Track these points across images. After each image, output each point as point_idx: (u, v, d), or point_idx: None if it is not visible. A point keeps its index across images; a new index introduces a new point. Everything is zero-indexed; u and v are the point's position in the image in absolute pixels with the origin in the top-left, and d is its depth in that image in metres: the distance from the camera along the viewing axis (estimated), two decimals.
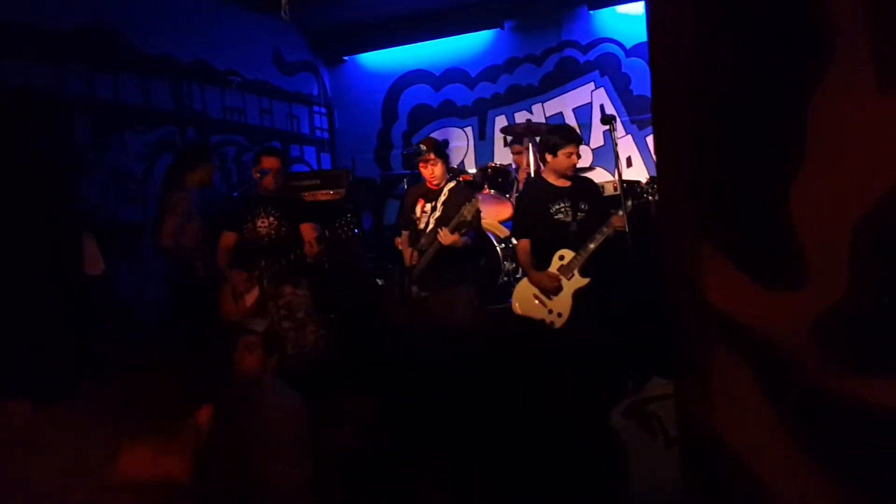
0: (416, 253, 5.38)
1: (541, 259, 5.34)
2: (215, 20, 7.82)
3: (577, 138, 5.40)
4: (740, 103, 1.43)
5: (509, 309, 5.54)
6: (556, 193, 5.35)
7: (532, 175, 6.89)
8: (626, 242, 5.07)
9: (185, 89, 7.45)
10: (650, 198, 5.47)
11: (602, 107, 8.46)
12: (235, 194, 5.91)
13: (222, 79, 7.91)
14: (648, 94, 6.93)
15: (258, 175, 5.37)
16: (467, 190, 5.93)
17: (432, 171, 5.47)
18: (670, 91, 1.62)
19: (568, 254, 5.22)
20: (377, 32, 9.26)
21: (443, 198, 5.49)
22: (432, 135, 8.89)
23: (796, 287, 1.34)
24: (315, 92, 9.49)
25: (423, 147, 5.50)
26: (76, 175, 5.96)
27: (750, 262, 1.41)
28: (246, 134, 8.16)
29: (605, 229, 5.14)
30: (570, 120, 8.74)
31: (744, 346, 1.40)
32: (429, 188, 5.57)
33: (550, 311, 5.25)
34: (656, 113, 1.72)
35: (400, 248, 5.62)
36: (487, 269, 6.59)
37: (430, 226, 5.44)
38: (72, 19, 6.30)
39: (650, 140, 8.28)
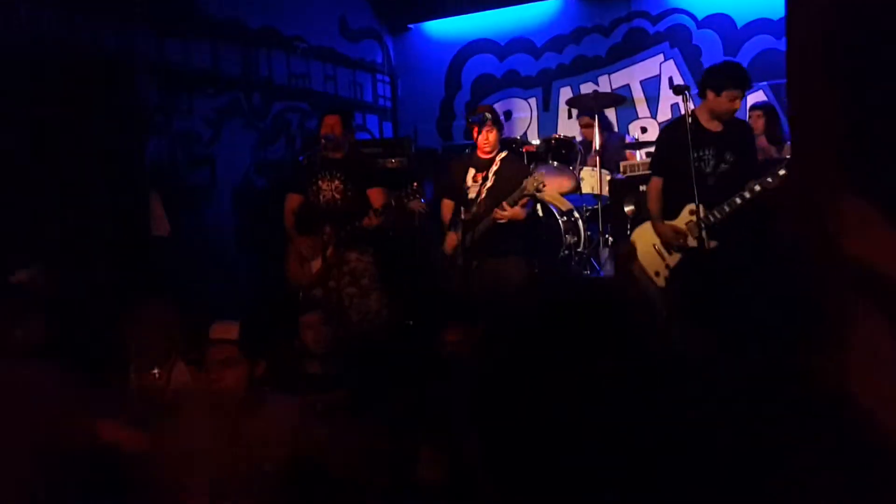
0: (461, 227, 5.26)
1: (670, 207, 4.88)
2: None
3: (747, 84, 4.81)
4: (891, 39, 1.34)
5: (570, 279, 5.38)
6: (704, 138, 4.77)
7: (598, 149, 6.78)
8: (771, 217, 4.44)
9: (252, 55, 7.47)
10: None
11: (671, 79, 8.25)
12: (301, 158, 5.93)
13: (288, 45, 7.91)
14: None
15: (322, 139, 5.36)
16: (519, 160, 5.86)
17: (487, 138, 5.36)
18: (809, 28, 1.53)
19: (701, 210, 4.68)
20: (442, 0, 9.17)
21: (495, 167, 5.38)
22: (495, 105, 8.81)
23: None
24: (379, 59, 9.45)
25: (487, 114, 5.38)
26: (145, 137, 6.03)
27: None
28: (310, 100, 8.17)
29: (746, 194, 4.57)
30: (637, 93, 8.57)
31: (885, 298, 1.32)
32: (480, 157, 5.46)
33: (667, 267, 4.82)
34: (792, 49, 1.61)
35: (444, 219, 5.60)
36: (547, 242, 6.53)
37: (482, 196, 5.34)
38: None
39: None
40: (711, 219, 4.68)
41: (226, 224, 6.91)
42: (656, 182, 5.00)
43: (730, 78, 4.75)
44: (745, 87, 4.79)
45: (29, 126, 4.98)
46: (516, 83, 9.08)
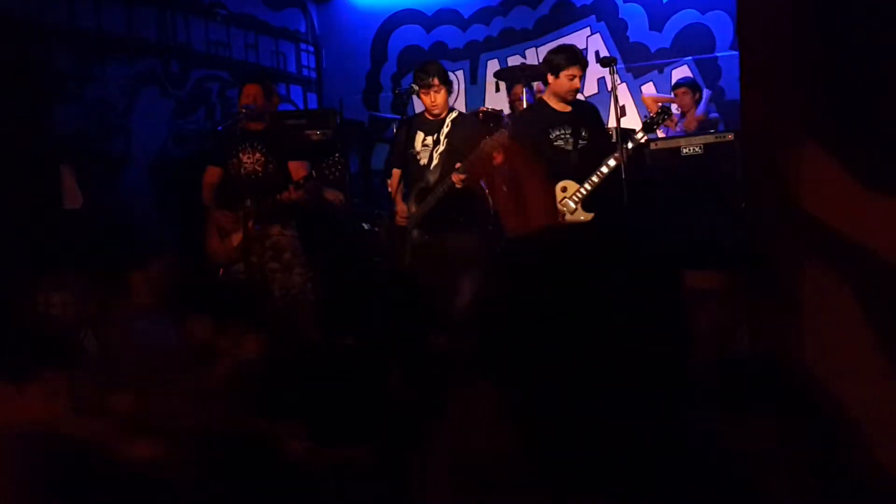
0: (413, 196, 5.10)
1: None
2: None
3: (581, 60, 5.07)
4: None
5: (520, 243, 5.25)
6: (557, 118, 5.03)
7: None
8: (622, 183, 4.83)
9: (168, 20, 7.20)
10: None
11: (597, 52, 8.25)
12: (220, 129, 5.74)
13: (207, 11, 7.66)
14: (645, 42, 6.84)
15: (243, 109, 5.19)
16: (473, 119, 5.61)
17: (434, 100, 5.08)
18: None
19: (571, 185, 4.94)
20: None
21: (446, 129, 5.11)
22: None
23: None
24: (303, 29, 9.22)
25: (428, 69, 5.08)
26: (55, 105, 5.78)
27: (861, 159, 1.27)
28: (230, 69, 7.92)
29: (610, 163, 4.85)
30: None
31: (844, 259, 1.28)
32: (427, 119, 5.21)
33: None
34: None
35: (391, 189, 5.32)
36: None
37: (435, 161, 5.08)
38: None
39: (645, 89, 8.14)
40: (583, 192, 4.91)
41: (142, 197, 6.68)
42: None
43: (565, 59, 5.00)
44: (580, 63, 5.04)
45: None
46: (444, 55, 8.94)
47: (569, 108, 5.08)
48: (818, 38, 1.34)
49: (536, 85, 6.97)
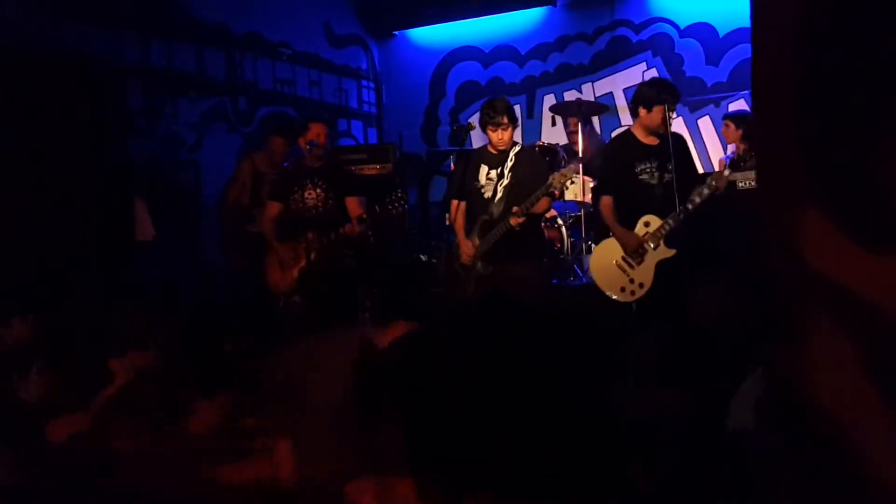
0: (477, 229, 5.15)
1: (623, 222, 4.98)
2: None
3: (676, 98, 5.02)
4: (850, 60, 1.39)
5: (585, 287, 5.28)
6: (643, 151, 4.97)
7: (581, 156, 6.83)
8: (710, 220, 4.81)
9: (237, 60, 7.51)
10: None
11: None
12: (286, 164, 5.98)
13: (274, 50, 7.95)
14: (701, 76, 6.86)
15: (307, 146, 5.38)
16: (537, 154, 5.61)
17: (501, 136, 5.10)
18: (774, 47, 1.58)
19: (654, 220, 4.85)
20: (427, 7, 9.22)
21: (510, 163, 5.14)
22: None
23: None
24: (364, 66, 9.50)
25: (497, 107, 5.11)
26: (129, 140, 6.06)
27: (854, 223, 1.38)
28: (295, 106, 8.20)
29: (696, 199, 4.72)
30: (620, 100, 8.65)
31: (848, 313, 1.38)
32: (491, 153, 5.23)
33: (632, 281, 4.90)
34: (758, 68, 1.67)
35: (449, 222, 5.39)
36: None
37: (500, 194, 5.11)
38: None
39: (701, 123, 8.18)
40: (667, 227, 4.82)
41: (210, 229, 6.93)
42: (607, 200, 5.08)
43: (660, 94, 4.92)
44: (675, 100, 4.98)
45: (13, 130, 4.99)
46: (501, 90, 9.13)
47: (656, 141, 5.02)
48: (821, 113, 1.44)
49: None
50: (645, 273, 4.88)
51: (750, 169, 4.91)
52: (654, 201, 4.89)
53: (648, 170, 4.95)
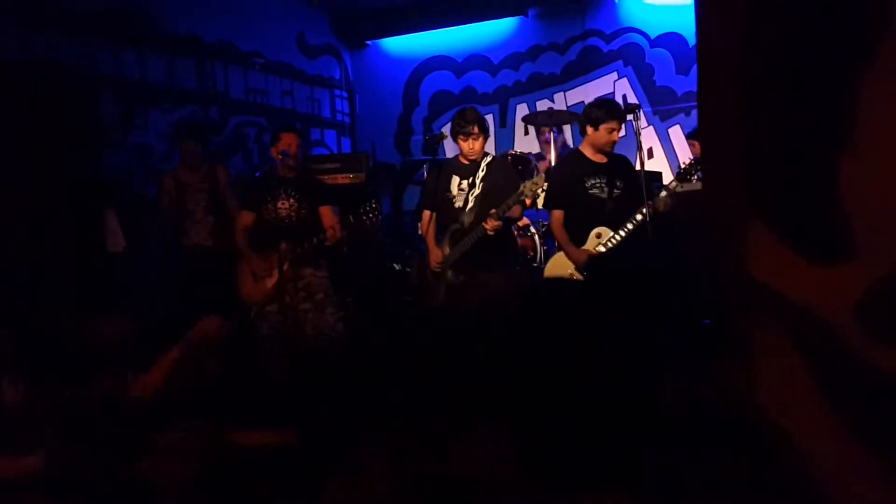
0: (447, 238, 5.20)
1: (575, 235, 5.15)
2: (240, 2, 7.86)
3: (621, 115, 5.20)
4: (790, 74, 1.43)
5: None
6: (593, 168, 5.16)
7: (553, 162, 6.88)
8: (649, 229, 4.89)
9: (208, 69, 7.49)
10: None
11: (625, 97, 8.43)
12: (257, 174, 5.98)
13: (246, 60, 7.95)
14: (672, 86, 6.96)
15: (279, 156, 5.38)
16: (507, 164, 5.66)
17: (472, 146, 5.17)
18: (717, 65, 1.63)
19: (605, 232, 5.03)
20: (400, 17, 9.25)
21: (481, 174, 5.21)
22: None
23: (843, 261, 1.35)
24: (337, 75, 9.51)
25: (468, 117, 5.17)
26: (101, 151, 6.02)
27: (796, 235, 1.42)
28: (267, 115, 8.20)
29: (644, 210, 4.88)
30: None
31: (789, 322, 1.42)
32: (463, 163, 5.30)
33: None
34: (703, 86, 1.72)
35: (422, 231, 5.43)
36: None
37: (470, 204, 5.18)
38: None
39: (672, 132, 8.27)
40: (617, 238, 4.97)
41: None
42: (558, 214, 5.24)
43: (605, 113, 5.13)
44: (620, 117, 5.17)
45: None
46: (474, 100, 9.18)
47: (605, 160, 5.21)
48: (764, 125, 1.48)
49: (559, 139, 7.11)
50: None
51: (691, 180, 5.14)
52: (605, 214, 5.08)
53: (598, 185, 5.13)
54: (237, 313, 5.34)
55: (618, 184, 5.15)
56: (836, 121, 1.35)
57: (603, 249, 5.01)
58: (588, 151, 5.24)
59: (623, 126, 5.28)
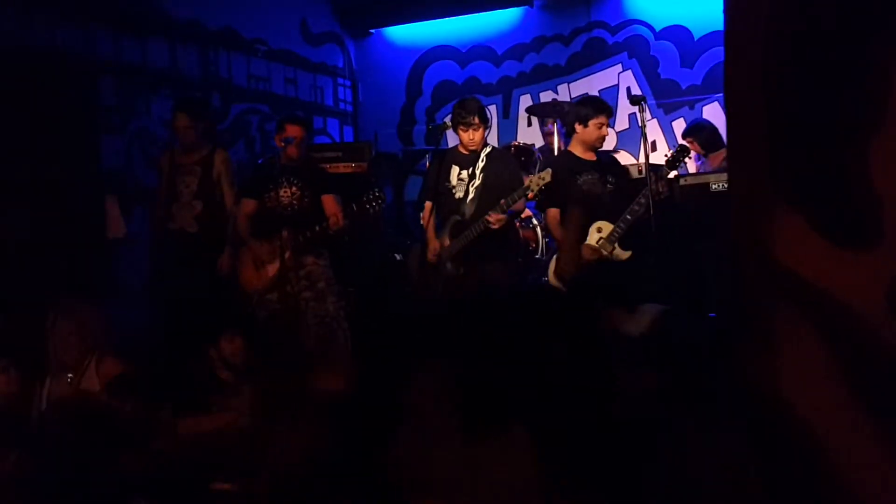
0: (447, 230, 5.16)
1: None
2: None
3: (607, 109, 5.24)
4: (819, 55, 1.40)
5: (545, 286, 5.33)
6: (583, 165, 5.16)
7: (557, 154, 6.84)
8: (651, 221, 4.87)
9: (211, 56, 7.45)
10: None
11: (629, 89, 8.37)
12: (260, 161, 5.93)
13: (249, 47, 7.90)
14: (676, 79, 6.96)
15: (282, 143, 5.34)
16: (508, 154, 5.63)
17: (472, 137, 5.10)
18: (744, 51, 1.59)
19: (606, 226, 5.00)
20: (404, 6, 9.20)
21: (481, 164, 5.16)
22: None
23: (871, 245, 1.32)
24: (340, 64, 9.46)
25: (468, 107, 5.11)
26: (101, 137, 5.98)
27: (823, 218, 1.38)
28: (270, 103, 8.16)
29: (642, 200, 4.85)
30: None
31: (813, 307, 1.38)
32: (462, 153, 5.25)
33: None
34: (729, 71, 1.68)
35: (423, 222, 5.39)
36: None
37: (471, 195, 5.14)
38: None
39: (676, 125, 8.22)
40: (618, 232, 4.95)
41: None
42: (554, 212, 5.22)
43: (592, 109, 5.18)
44: (607, 112, 5.21)
45: None
46: (477, 90, 9.11)
47: (594, 157, 5.25)
48: (791, 110, 1.45)
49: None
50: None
51: (676, 166, 5.22)
52: (602, 208, 5.06)
53: (591, 181, 5.12)
54: (225, 302, 5.29)
55: (610, 179, 5.19)
56: (866, 104, 1.32)
57: (609, 245, 4.97)
58: (578, 150, 5.26)
59: (609, 121, 5.30)
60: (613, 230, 4.97)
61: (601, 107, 5.20)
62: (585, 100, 5.61)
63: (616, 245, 4.96)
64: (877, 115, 1.29)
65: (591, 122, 5.12)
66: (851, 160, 1.32)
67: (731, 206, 1.59)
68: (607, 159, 5.40)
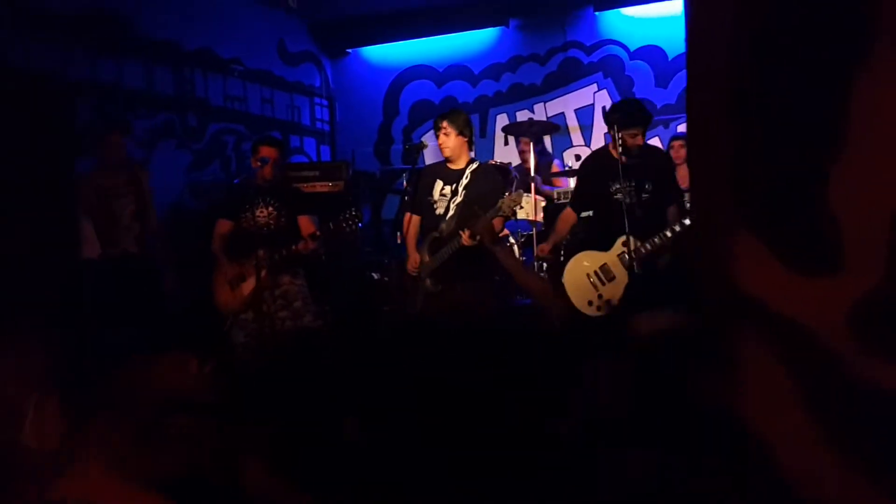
0: (426, 246, 5.11)
1: (602, 238, 4.93)
2: (220, 9, 7.82)
3: (645, 121, 4.93)
4: (781, 87, 1.42)
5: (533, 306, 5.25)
6: (620, 170, 4.81)
7: (533, 175, 6.87)
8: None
9: (187, 76, 7.44)
10: None
11: (604, 108, 8.47)
12: (236, 181, 5.92)
13: (225, 67, 7.90)
14: (651, 98, 6.95)
15: (257, 164, 5.33)
16: (494, 173, 5.45)
17: (442, 142, 5.04)
18: (707, 76, 1.62)
19: (633, 241, 4.70)
20: (381, 26, 9.26)
21: (465, 181, 5.06)
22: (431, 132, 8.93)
23: (832, 273, 1.34)
24: (317, 83, 9.48)
25: (443, 114, 5.09)
26: (76, 158, 5.94)
27: (785, 246, 1.41)
28: (246, 123, 8.16)
29: (676, 227, 4.57)
30: (572, 121, 8.75)
31: (776, 334, 1.41)
32: (448, 168, 5.15)
33: (600, 297, 4.84)
34: (691, 94, 1.71)
35: (403, 234, 5.30)
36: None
37: (451, 212, 5.04)
38: (76, 3, 6.28)
39: (652, 143, 8.29)
40: (643, 251, 4.71)
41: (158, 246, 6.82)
42: (569, 212, 5.21)
43: (628, 117, 4.86)
44: (644, 123, 4.90)
45: None
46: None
47: (635, 160, 4.91)
48: (754, 140, 1.48)
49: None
50: (615, 291, 4.80)
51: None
52: (633, 221, 4.70)
53: (623, 188, 4.81)
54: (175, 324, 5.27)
55: (646, 186, 4.88)
56: (827, 130, 1.35)
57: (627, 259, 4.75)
58: (615, 151, 4.93)
59: (646, 130, 4.98)
60: (637, 248, 4.71)
61: (637, 118, 4.89)
62: (623, 105, 5.40)
63: (635, 264, 4.73)
64: (835, 141, 1.32)
65: (624, 132, 4.82)
66: (811, 187, 1.35)
67: (692, 230, 1.62)
68: (649, 160, 4.98)
